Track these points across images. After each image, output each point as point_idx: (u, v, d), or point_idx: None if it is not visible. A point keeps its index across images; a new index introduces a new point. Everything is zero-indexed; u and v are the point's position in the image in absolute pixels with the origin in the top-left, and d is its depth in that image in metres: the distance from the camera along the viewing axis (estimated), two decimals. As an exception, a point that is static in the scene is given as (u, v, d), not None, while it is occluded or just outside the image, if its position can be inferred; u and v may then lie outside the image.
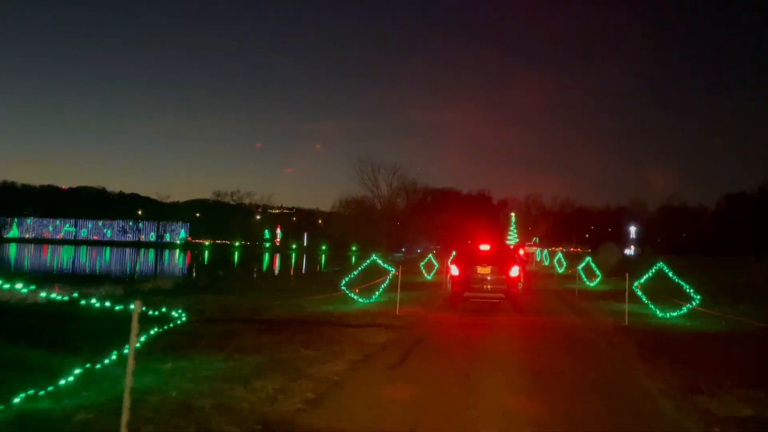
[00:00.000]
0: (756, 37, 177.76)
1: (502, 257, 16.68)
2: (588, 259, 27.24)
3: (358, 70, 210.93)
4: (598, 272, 26.07)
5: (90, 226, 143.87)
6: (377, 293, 16.79)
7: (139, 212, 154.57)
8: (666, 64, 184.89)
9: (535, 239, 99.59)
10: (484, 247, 17.29)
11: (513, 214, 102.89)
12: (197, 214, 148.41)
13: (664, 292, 16.89)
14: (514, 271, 15.95)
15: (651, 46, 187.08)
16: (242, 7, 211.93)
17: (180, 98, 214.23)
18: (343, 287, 15.85)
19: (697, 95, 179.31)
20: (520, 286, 16.76)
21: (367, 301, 16.33)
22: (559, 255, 39.79)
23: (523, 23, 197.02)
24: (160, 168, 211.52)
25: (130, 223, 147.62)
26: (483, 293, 15.81)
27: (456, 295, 16.06)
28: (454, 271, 16.24)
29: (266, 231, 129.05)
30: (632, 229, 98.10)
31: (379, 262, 18.16)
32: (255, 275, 27.21)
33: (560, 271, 36.32)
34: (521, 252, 40.13)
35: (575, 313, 16.25)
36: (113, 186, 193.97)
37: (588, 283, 25.43)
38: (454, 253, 41.32)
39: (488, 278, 15.82)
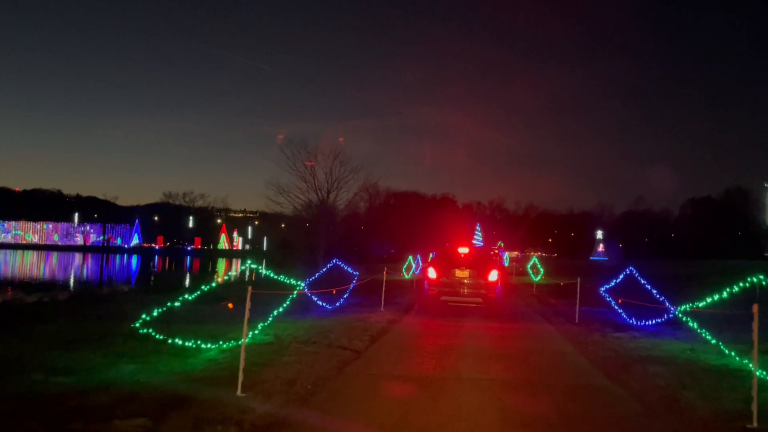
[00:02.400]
0: (723, 43, 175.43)
1: (480, 260, 15.90)
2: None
3: (322, 75, 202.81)
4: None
5: (40, 228, 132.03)
6: (260, 326, 8.71)
7: (95, 215, 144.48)
8: (632, 68, 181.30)
9: (500, 243, 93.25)
10: (463, 250, 16.50)
11: (478, 225, 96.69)
12: (155, 218, 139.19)
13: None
14: (493, 276, 15.11)
15: (619, 51, 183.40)
16: (200, 11, 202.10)
17: (139, 101, 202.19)
18: (139, 326, 7.80)
19: (664, 100, 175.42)
20: (498, 290, 15.41)
21: (225, 346, 8.39)
22: (534, 260, 32.30)
23: (491, 29, 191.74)
24: (119, 171, 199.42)
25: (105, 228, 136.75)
26: (460, 297, 15.03)
27: (433, 299, 15.22)
28: (432, 274, 15.34)
29: (222, 235, 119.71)
30: (600, 234, 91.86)
31: (265, 271, 10.22)
32: (126, 290, 19.02)
33: (536, 279, 28.83)
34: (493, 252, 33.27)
35: (607, 370, 8.54)
36: (71, 189, 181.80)
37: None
38: (410, 258, 34.08)
39: (466, 282, 15.06)
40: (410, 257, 31.88)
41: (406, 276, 28.97)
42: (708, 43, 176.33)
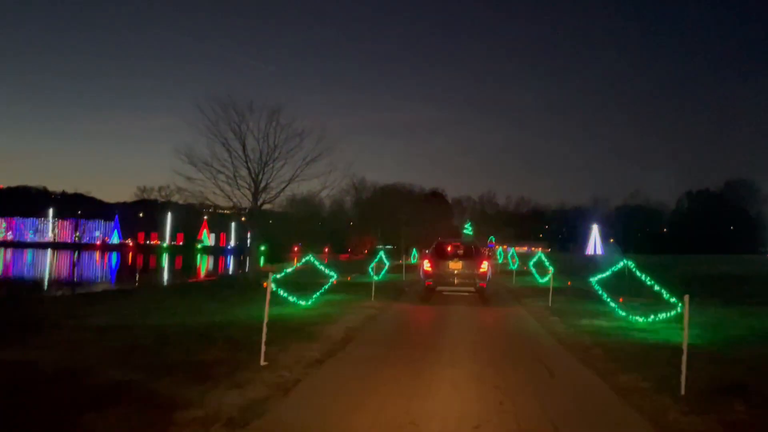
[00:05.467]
0: (718, 31, 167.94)
1: (472, 253, 15.79)
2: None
3: (310, 70, 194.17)
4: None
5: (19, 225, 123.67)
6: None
7: (79, 212, 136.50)
8: (627, 59, 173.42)
9: (491, 238, 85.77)
10: (456, 243, 16.68)
11: (468, 220, 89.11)
12: (140, 214, 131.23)
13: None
14: (484, 266, 15.17)
15: (610, 43, 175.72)
16: (187, 8, 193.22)
17: (128, 96, 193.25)
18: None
19: (661, 91, 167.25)
20: (489, 279, 15.41)
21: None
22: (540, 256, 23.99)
23: (482, 25, 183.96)
24: (107, 167, 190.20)
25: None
26: (454, 287, 15.17)
27: (428, 290, 15.23)
28: (427, 266, 15.33)
29: (204, 231, 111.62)
30: (595, 229, 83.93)
31: None
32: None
33: (542, 280, 20.85)
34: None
35: None
36: (57, 185, 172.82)
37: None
38: (381, 254, 26.90)
39: (460, 273, 15.06)
40: (381, 252, 23.87)
41: (375, 277, 20.49)
42: (704, 33, 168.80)
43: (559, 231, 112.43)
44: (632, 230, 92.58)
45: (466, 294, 15.34)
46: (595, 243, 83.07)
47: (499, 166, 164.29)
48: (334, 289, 15.43)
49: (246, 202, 20.87)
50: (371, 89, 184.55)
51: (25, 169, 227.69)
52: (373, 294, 15.18)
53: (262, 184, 20.49)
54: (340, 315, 11.52)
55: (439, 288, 15.10)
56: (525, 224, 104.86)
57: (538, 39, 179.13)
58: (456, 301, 15.18)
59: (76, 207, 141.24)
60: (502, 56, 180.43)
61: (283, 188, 21.12)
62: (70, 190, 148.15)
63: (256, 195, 20.55)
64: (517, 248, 57.08)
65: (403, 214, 67.27)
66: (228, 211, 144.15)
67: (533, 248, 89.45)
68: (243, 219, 21.60)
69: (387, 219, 70.67)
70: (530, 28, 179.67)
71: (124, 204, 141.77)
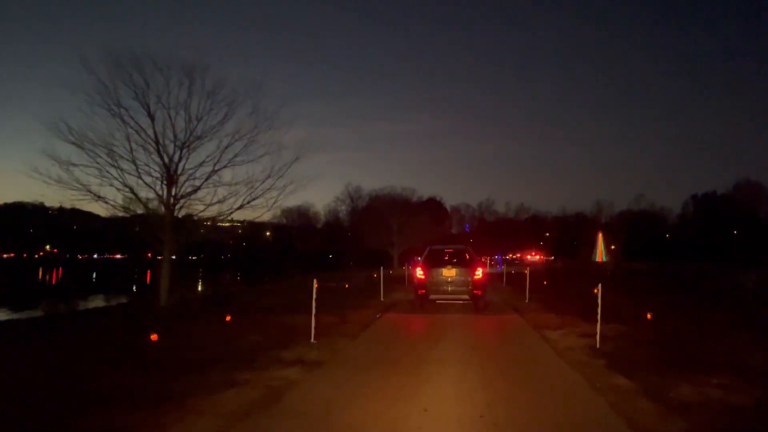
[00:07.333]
0: (723, 29, 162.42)
1: (466, 259, 15.02)
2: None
3: (307, 79, 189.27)
4: None
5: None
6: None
7: (74, 227, 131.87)
8: (628, 57, 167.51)
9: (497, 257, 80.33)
10: (449, 250, 15.71)
11: (467, 227, 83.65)
12: (136, 229, 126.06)
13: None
14: (479, 273, 14.34)
15: (611, 43, 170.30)
16: (194, 22, 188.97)
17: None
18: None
19: (663, 90, 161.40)
20: (484, 286, 14.59)
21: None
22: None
23: (478, 32, 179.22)
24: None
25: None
26: (448, 295, 14.45)
27: (421, 298, 14.51)
28: (419, 274, 14.57)
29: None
30: (600, 235, 78.06)
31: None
32: None
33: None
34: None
35: None
36: (55, 201, 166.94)
37: None
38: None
39: (453, 280, 14.38)
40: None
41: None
42: (711, 30, 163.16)
43: (561, 238, 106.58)
44: (637, 236, 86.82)
45: (461, 302, 14.63)
46: (600, 250, 77.31)
47: (498, 173, 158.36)
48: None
49: (154, 199, 15.19)
50: (368, 98, 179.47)
51: (28, 184, 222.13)
52: (312, 332, 9.47)
53: (179, 171, 14.90)
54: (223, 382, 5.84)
55: (432, 296, 14.42)
56: (527, 232, 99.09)
57: (537, 43, 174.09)
58: (447, 357, 9.41)
59: (71, 222, 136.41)
60: (501, 61, 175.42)
61: (208, 176, 15.46)
62: (68, 205, 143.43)
63: (169, 187, 14.97)
64: (528, 257, 51.51)
65: (396, 222, 61.54)
66: (228, 224, 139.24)
67: (541, 256, 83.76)
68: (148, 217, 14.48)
69: (380, 227, 64.87)
70: (527, 33, 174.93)
71: (122, 219, 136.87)
